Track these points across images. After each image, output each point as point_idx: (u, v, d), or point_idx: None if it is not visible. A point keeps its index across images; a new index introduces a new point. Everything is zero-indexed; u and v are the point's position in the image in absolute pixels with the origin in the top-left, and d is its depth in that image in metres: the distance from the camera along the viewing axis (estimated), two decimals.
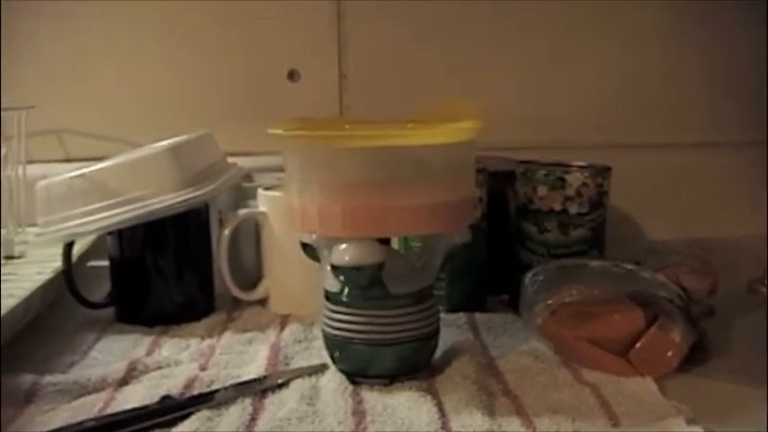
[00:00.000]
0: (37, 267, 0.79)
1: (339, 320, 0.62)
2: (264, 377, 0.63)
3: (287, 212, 0.65)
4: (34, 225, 0.79)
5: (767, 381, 0.61)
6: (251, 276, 0.82)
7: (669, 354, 0.64)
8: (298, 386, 0.62)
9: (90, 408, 0.59)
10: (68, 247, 0.76)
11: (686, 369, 0.65)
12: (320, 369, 0.64)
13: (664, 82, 1.04)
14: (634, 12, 1.03)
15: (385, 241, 0.70)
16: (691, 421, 0.55)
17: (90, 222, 0.74)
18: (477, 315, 0.77)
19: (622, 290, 0.68)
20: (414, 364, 0.63)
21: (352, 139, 0.61)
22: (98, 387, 0.63)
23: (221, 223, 0.81)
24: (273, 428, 0.56)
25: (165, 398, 0.59)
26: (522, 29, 1.03)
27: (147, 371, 0.65)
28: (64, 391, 0.62)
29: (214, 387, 0.62)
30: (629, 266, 0.71)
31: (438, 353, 0.66)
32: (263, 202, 0.80)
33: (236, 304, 0.81)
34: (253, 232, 0.81)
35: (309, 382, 0.62)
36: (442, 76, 1.03)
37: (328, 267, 0.62)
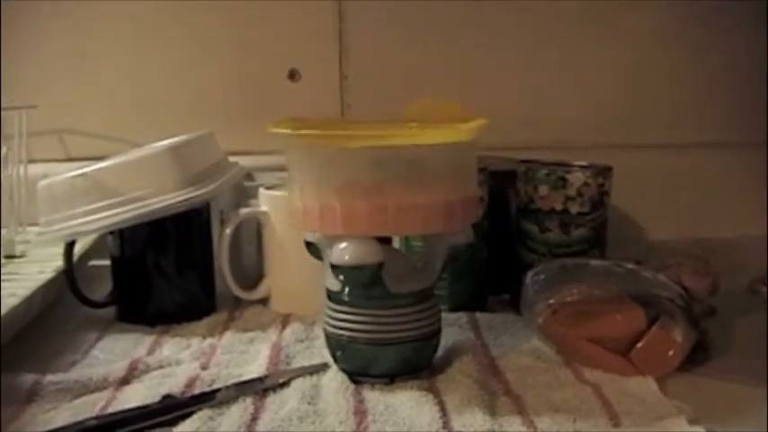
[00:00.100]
0: (38, 266, 0.79)
1: (340, 320, 0.62)
2: (266, 376, 0.63)
3: (289, 211, 0.65)
4: (35, 224, 0.79)
5: (767, 381, 0.61)
6: (252, 276, 0.82)
7: (670, 353, 0.64)
8: (299, 385, 0.62)
9: (91, 407, 0.60)
10: (70, 246, 0.76)
11: (687, 369, 0.65)
12: (321, 368, 0.64)
13: (664, 82, 1.04)
14: (635, 12, 1.03)
15: (386, 241, 0.70)
16: (692, 421, 0.55)
17: (91, 222, 0.74)
18: (479, 314, 0.77)
19: (623, 289, 0.68)
20: (415, 364, 0.63)
21: (354, 139, 0.61)
22: (99, 386, 0.63)
23: (222, 222, 0.81)
24: (275, 428, 0.56)
25: (167, 397, 0.59)
26: (523, 29, 1.03)
27: (148, 370, 0.65)
28: (65, 390, 0.62)
29: (215, 386, 0.62)
30: (631, 266, 0.71)
31: (439, 352, 0.66)
32: (265, 201, 0.80)
33: (238, 303, 0.81)
34: (254, 231, 0.81)
35: (311, 382, 0.62)
36: (443, 77, 1.03)
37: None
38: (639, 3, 1.03)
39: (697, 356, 0.66)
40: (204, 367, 0.66)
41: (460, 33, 1.03)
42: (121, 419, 0.56)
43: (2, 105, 0.86)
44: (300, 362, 0.67)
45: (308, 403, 0.59)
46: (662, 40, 1.04)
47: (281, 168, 0.66)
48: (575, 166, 0.80)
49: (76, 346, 0.72)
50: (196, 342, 0.72)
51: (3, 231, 0.86)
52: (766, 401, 0.59)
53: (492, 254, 0.80)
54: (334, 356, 0.64)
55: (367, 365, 0.62)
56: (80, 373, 0.64)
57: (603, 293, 0.67)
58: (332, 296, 0.64)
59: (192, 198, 0.74)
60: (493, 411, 0.58)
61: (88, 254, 0.83)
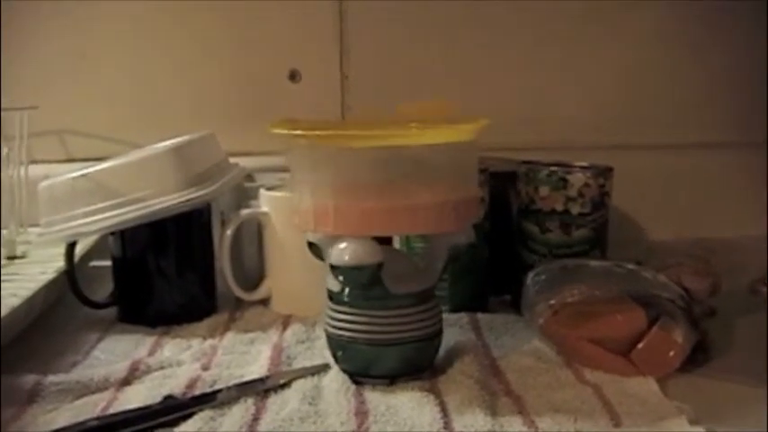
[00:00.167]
0: (39, 267, 0.79)
1: (342, 320, 0.63)
2: (267, 377, 0.63)
3: (291, 212, 0.65)
4: (36, 225, 0.79)
5: (767, 381, 0.61)
6: (253, 276, 0.82)
7: (671, 354, 0.64)
8: (300, 386, 0.62)
9: (92, 407, 0.60)
10: (71, 247, 0.76)
11: (688, 369, 0.65)
12: (322, 369, 0.64)
13: (665, 82, 1.04)
14: (635, 12, 1.03)
15: (387, 241, 0.71)
16: (693, 421, 0.55)
17: (92, 222, 0.74)
18: (480, 315, 0.77)
19: (624, 290, 0.68)
20: (417, 365, 0.63)
21: (355, 139, 0.61)
22: (100, 387, 0.63)
23: (223, 223, 0.81)
24: (276, 428, 0.56)
25: (168, 398, 0.59)
26: (524, 30, 1.03)
27: (149, 371, 0.65)
28: (66, 390, 0.62)
29: (216, 387, 0.62)
30: (631, 267, 0.71)
31: (440, 353, 0.66)
32: (265, 202, 0.80)
33: (239, 304, 0.81)
34: (255, 232, 0.81)
35: (312, 383, 0.63)
36: (444, 77, 1.03)
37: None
38: (640, 3, 1.03)
39: (697, 357, 0.66)
40: (205, 368, 0.66)
41: (461, 33, 1.03)
42: (123, 420, 0.56)
43: (3, 106, 0.87)
44: (301, 363, 0.67)
45: (310, 404, 0.59)
46: (662, 41, 1.04)
47: (282, 169, 0.66)
48: (575, 166, 0.80)
49: (78, 346, 0.72)
50: (197, 343, 0.72)
51: (4, 232, 0.87)
52: (766, 402, 0.58)
53: (493, 254, 0.80)
54: (335, 357, 0.64)
55: (368, 366, 0.62)
56: (81, 373, 0.64)
57: (604, 294, 0.67)
58: (333, 297, 0.64)
59: (192, 199, 0.74)
60: (494, 412, 0.58)
61: (89, 255, 0.83)
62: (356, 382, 0.62)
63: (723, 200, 1.03)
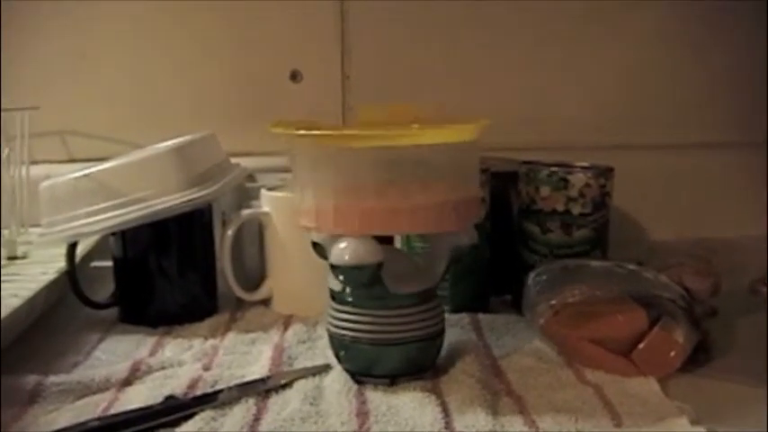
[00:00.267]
0: (40, 268, 0.79)
1: (344, 320, 0.63)
2: (268, 377, 0.63)
3: (292, 212, 0.65)
4: (38, 225, 0.79)
5: (767, 381, 0.61)
6: (254, 277, 0.82)
7: (672, 354, 0.64)
8: (301, 386, 0.62)
9: (94, 408, 0.60)
10: (72, 247, 0.76)
11: (689, 369, 0.65)
12: (324, 369, 0.65)
13: (666, 82, 1.04)
14: (636, 12, 1.03)
15: (388, 241, 0.71)
16: (694, 421, 0.55)
17: (93, 223, 0.74)
18: (481, 315, 0.77)
19: (625, 290, 0.68)
20: (419, 364, 0.63)
21: (356, 139, 0.61)
22: (102, 387, 0.63)
23: (224, 224, 0.81)
24: (277, 429, 0.56)
25: (169, 398, 0.59)
26: (525, 30, 1.03)
27: (150, 371, 0.65)
28: (68, 391, 0.62)
29: (218, 387, 0.62)
30: (632, 267, 0.71)
31: (442, 353, 0.66)
32: (267, 202, 0.80)
33: (240, 305, 0.81)
34: (256, 233, 0.81)
35: (313, 383, 0.63)
36: (445, 77, 1.03)
37: None
38: (641, 3, 1.03)
39: (698, 357, 0.66)
40: (206, 368, 0.66)
41: (462, 33, 1.03)
42: (124, 420, 0.56)
43: (4, 106, 0.87)
44: (303, 363, 0.67)
45: (311, 404, 0.59)
46: (663, 41, 1.04)
47: (283, 170, 0.66)
48: (576, 167, 0.80)
49: (79, 347, 0.72)
50: (198, 343, 0.72)
51: (5, 232, 0.87)
52: (767, 402, 0.58)
53: (494, 255, 0.80)
54: (337, 357, 0.64)
55: (370, 366, 0.62)
56: (82, 374, 0.64)
57: (605, 294, 0.67)
58: (335, 296, 0.64)
59: (194, 199, 0.74)
60: (495, 412, 0.58)
61: (90, 255, 0.83)
62: (358, 382, 0.62)
63: (724, 200, 1.03)
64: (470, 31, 1.03)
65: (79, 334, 0.75)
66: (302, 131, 0.62)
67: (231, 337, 0.74)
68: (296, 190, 0.64)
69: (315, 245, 0.64)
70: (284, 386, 0.62)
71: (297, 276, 0.78)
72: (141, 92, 1.02)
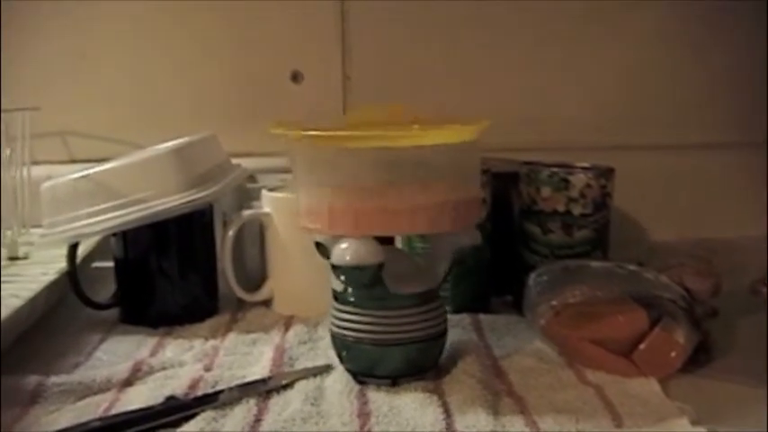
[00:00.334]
0: (41, 268, 0.79)
1: (346, 320, 0.63)
2: (269, 378, 0.63)
3: (292, 213, 0.65)
4: (39, 226, 0.79)
5: (767, 381, 0.62)
6: (255, 277, 0.82)
7: (672, 355, 0.64)
8: (302, 387, 0.62)
9: (95, 408, 0.60)
10: (73, 248, 0.76)
11: (690, 370, 0.65)
12: (325, 370, 0.65)
13: (666, 82, 1.04)
14: (636, 12, 1.03)
15: (389, 241, 0.71)
16: (694, 422, 0.56)
17: (94, 223, 0.74)
18: (482, 316, 0.77)
19: (626, 291, 0.68)
20: (421, 365, 0.63)
21: (357, 140, 0.61)
22: (103, 388, 0.63)
23: (225, 224, 0.81)
24: (278, 429, 0.56)
25: (170, 398, 0.60)
26: (525, 30, 1.03)
27: (151, 371, 0.65)
28: (69, 391, 0.62)
29: (218, 388, 0.62)
30: (633, 267, 0.71)
31: (443, 353, 0.66)
32: (267, 203, 0.80)
33: (241, 305, 0.81)
34: (257, 233, 0.82)
35: (314, 383, 0.63)
36: (445, 77, 1.03)
37: None
38: (641, 3, 1.03)
39: (699, 358, 0.66)
40: (207, 369, 0.66)
41: (463, 34, 1.03)
42: (125, 421, 0.56)
43: (5, 107, 0.87)
44: (304, 363, 0.67)
45: (312, 405, 0.59)
46: (663, 41, 1.04)
47: (284, 170, 0.66)
48: (577, 167, 0.80)
49: (80, 347, 0.72)
50: (199, 344, 0.72)
51: (6, 233, 0.87)
52: (767, 402, 0.59)
53: (495, 255, 0.80)
54: (340, 357, 0.64)
55: (373, 366, 0.62)
56: (83, 374, 0.64)
57: (606, 295, 0.68)
58: (338, 297, 0.64)
59: (194, 200, 0.74)
60: (496, 412, 0.58)
61: (91, 256, 0.84)
62: (360, 383, 0.62)
63: (724, 200, 1.03)
64: (470, 31, 1.03)
65: (80, 334, 0.75)
66: (301, 132, 0.62)
67: (232, 337, 0.74)
68: (296, 191, 0.64)
69: (318, 245, 0.64)
70: (285, 387, 0.62)
71: (298, 277, 0.78)
72: (142, 92, 1.02)
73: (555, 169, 0.79)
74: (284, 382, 0.63)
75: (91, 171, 0.75)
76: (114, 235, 0.77)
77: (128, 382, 0.64)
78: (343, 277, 0.62)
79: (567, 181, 0.78)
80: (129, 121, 1.01)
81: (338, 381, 0.62)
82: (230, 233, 0.78)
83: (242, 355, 0.70)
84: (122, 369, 0.65)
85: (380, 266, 0.60)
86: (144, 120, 1.01)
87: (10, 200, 0.87)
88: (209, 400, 0.59)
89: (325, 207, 0.61)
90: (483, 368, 0.64)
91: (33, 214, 0.85)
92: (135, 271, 0.78)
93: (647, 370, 0.63)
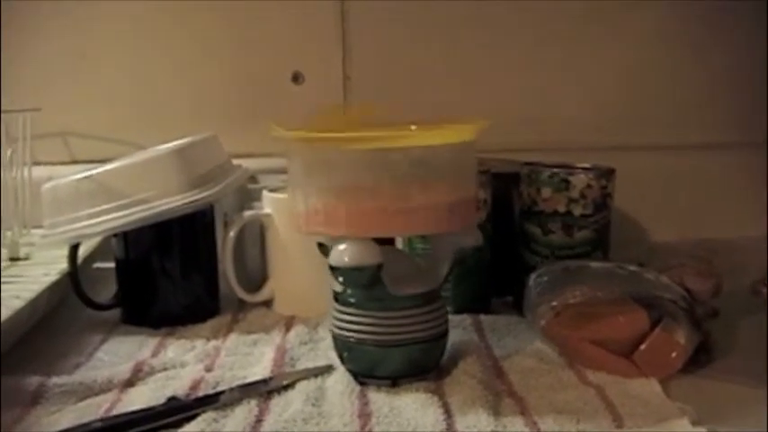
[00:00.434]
0: (43, 269, 0.80)
1: (347, 321, 0.63)
2: (270, 378, 0.63)
3: (290, 214, 0.65)
4: (40, 227, 0.79)
5: (767, 381, 0.62)
6: (256, 278, 0.82)
7: (673, 355, 0.64)
8: (303, 387, 0.62)
9: (96, 409, 0.60)
10: (74, 248, 0.76)
11: (690, 370, 0.65)
12: (326, 370, 0.65)
13: (666, 82, 1.05)
14: (636, 12, 1.03)
15: (389, 242, 0.71)
16: (695, 422, 0.56)
17: (96, 224, 0.74)
18: (482, 316, 0.77)
19: (626, 291, 0.68)
20: (422, 366, 0.63)
21: (353, 141, 0.61)
22: (104, 388, 0.63)
23: (226, 225, 0.81)
24: (279, 430, 0.56)
25: (171, 399, 0.60)
26: (525, 30, 1.03)
27: (152, 372, 0.66)
28: (70, 392, 0.62)
29: (220, 388, 0.62)
30: (633, 268, 0.71)
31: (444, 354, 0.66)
32: (268, 203, 0.80)
33: (242, 306, 0.81)
34: (258, 234, 0.82)
35: (315, 384, 0.63)
36: (446, 78, 1.03)
37: None
38: (641, 3, 1.03)
39: (700, 358, 0.66)
40: (208, 369, 0.66)
41: (463, 34, 1.03)
42: (126, 421, 0.57)
43: (5, 107, 0.87)
44: (305, 364, 0.67)
45: (313, 405, 0.59)
46: (663, 41, 1.04)
47: (285, 171, 0.66)
48: (577, 168, 0.80)
49: (81, 348, 0.72)
50: (200, 344, 0.72)
51: (7, 234, 0.87)
52: (767, 403, 0.59)
53: (495, 256, 0.80)
54: (341, 357, 0.64)
55: (374, 367, 0.62)
56: (85, 375, 0.65)
57: (606, 295, 0.68)
58: (338, 298, 0.64)
59: (196, 200, 0.74)
60: (497, 412, 0.58)
61: (92, 256, 0.84)
62: (361, 383, 0.62)
63: (724, 200, 1.03)
64: (470, 31, 1.03)
65: (81, 335, 0.75)
66: (300, 134, 0.62)
67: (233, 338, 0.74)
68: (293, 192, 0.64)
69: (320, 246, 0.65)
70: (286, 387, 0.62)
71: (299, 277, 0.78)
72: (142, 92, 1.02)
73: (555, 170, 0.79)
74: (285, 382, 0.63)
75: (92, 172, 0.75)
76: (115, 235, 0.77)
77: (129, 383, 0.64)
78: (341, 279, 0.62)
79: (567, 181, 0.78)
80: (129, 121, 1.01)
81: (339, 381, 0.62)
82: (231, 234, 0.78)
83: (243, 355, 0.70)
84: (124, 370, 0.65)
85: (379, 267, 0.60)
86: (145, 120, 1.01)
87: (11, 200, 0.87)
88: (211, 401, 0.59)
89: (321, 208, 0.61)
90: (484, 369, 0.64)
91: (34, 215, 0.85)
92: (136, 271, 0.78)
93: (647, 370, 0.63)
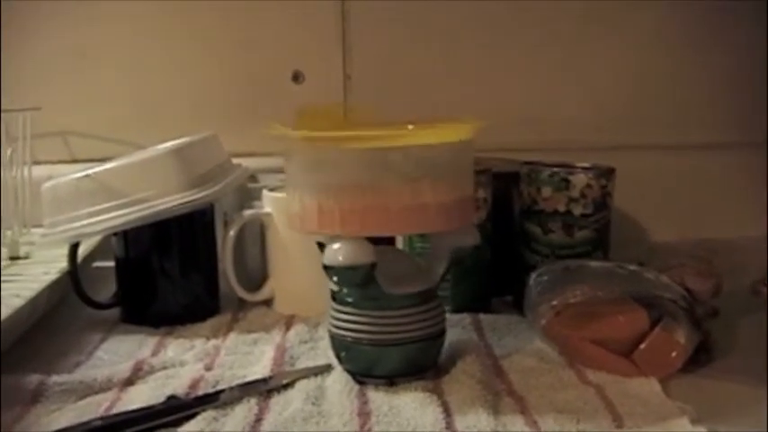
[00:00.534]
0: (43, 268, 0.80)
1: (344, 320, 0.63)
2: (270, 377, 0.63)
3: (287, 214, 0.65)
4: (40, 226, 0.79)
5: (767, 381, 0.62)
6: (256, 277, 0.82)
7: (673, 354, 0.64)
8: (303, 386, 0.62)
9: (96, 408, 0.60)
10: (74, 247, 0.76)
11: (690, 370, 0.65)
12: (325, 369, 0.65)
13: (666, 83, 1.05)
14: (637, 13, 1.03)
15: (389, 241, 0.71)
16: (695, 422, 0.56)
17: (95, 223, 0.74)
18: (482, 316, 0.77)
19: (626, 291, 0.68)
20: (420, 365, 0.63)
21: (350, 140, 0.61)
22: (104, 387, 0.63)
23: (226, 224, 0.81)
24: (278, 429, 0.56)
25: (171, 398, 0.60)
26: (526, 30, 1.03)
27: (152, 371, 0.66)
28: (70, 390, 0.62)
29: (219, 387, 0.62)
30: (633, 267, 0.71)
31: (443, 353, 0.66)
32: (268, 202, 0.80)
33: (241, 305, 0.81)
34: (258, 233, 0.82)
35: (315, 383, 0.63)
36: (446, 78, 1.03)
37: None
38: (641, 3, 1.03)
39: (700, 358, 0.66)
40: (208, 368, 0.66)
41: (463, 34, 1.03)
42: (126, 420, 0.57)
43: (5, 106, 0.87)
44: (304, 363, 0.67)
45: (313, 404, 0.59)
46: (664, 41, 1.04)
47: (284, 170, 0.66)
48: (578, 167, 0.80)
49: (81, 347, 0.72)
50: (200, 343, 0.72)
51: (7, 233, 0.87)
52: (767, 402, 0.59)
53: (495, 255, 0.80)
54: (338, 357, 0.64)
55: (371, 366, 0.62)
56: (85, 374, 0.65)
57: (606, 295, 0.68)
58: (336, 297, 0.64)
59: (195, 200, 0.74)
60: (496, 412, 0.58)
61: (92, 255, 0.84)
62: (359, 383, 0.62)
63: (724, 200, 1.03)
64: (471, 32, 1.03)
65: (81, 334, 0.75)
66: (297, 133, 0.62)
67: (233, 337, 0.74)
68: (290, 192, 0.64)
69: (320, 245, 0.65)
70: (286, 386, 0.62)
71: (298, 277, 0.78)
72: (143, 92, 1.02)
73: (555, 169, 0.79)
74: (285, 381, 0.63)
75: (92, 171, 0.75)
76: (115, 234, 0.77)
77: (129, 382, 0.64)
78: (335, 278, 0.62)
79: (567, 181, 0.78)
80: (129, 120, 1.01)
81: (339, 380, 0.62)
82: (231, 233, 0.78)
83: (243, 354, 0.70)
84: (123, 368, 0.65)
85: (373, 266, 0.60)
86: (145, 119, 1.01)
87: (11, 200, 0.87)
88: (210, 400, 0.59)
89: (320, 207, 0.61)
90: (483, 368, 0.64)
91: (34, 214, 0.85)
92: (136, 270, 0.78)
93: (647, 370, 0.63)
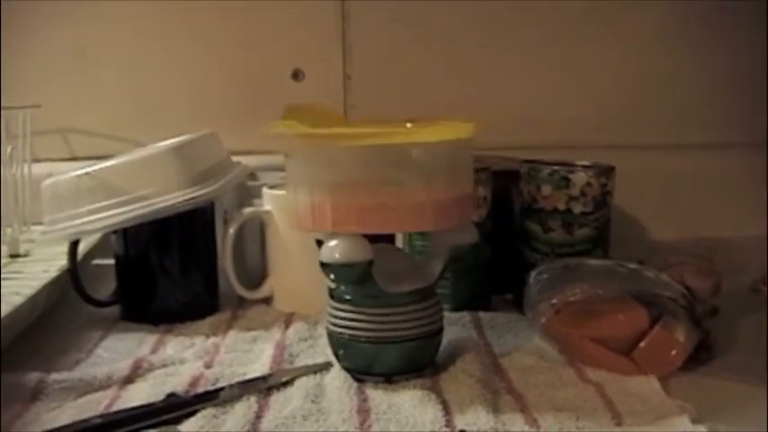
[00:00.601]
0: (42, 266, 0.80)
1: (342, 318, 0.63)
2: (269, 375, 0.63)
3: (287, 211, 0.65)
4: (40, 223, 0.79)
5: (767, 380, 0.62)
6: (255, 275, 0.82)
7: (673, 353, 0.64)
8: (302, 384, 0.62)
9: (96, 405, 0.60)
10: (74, 245, 0.76)
11: (690, 368, 0.65)
12: (325, 367, 0.65)
13: (666, 82, 1.05)
14: (637, 12, 1.03)
15: (388, 239, 0.71)
16: (694, 420, 0.56)
17: (95, 221, 0.74)
18: (482, 314, 0.77)
19: (626, 289, 0.68)
20: (417, 362, 0.63)
21: (350, 138, 0.61)
22: (104, 385, 0.63)
23: (226, 222, 0.81)
24: (278, 426, 0.56)
25: (171, 396, 0.59)
26: (526, 30, 1.04)
27: (152, 369, 0.66)
28: (70, 388, 0.62)
29: (219, 385, 0.62)
30: (633, 266, 0.71)
31: (442, 351, 0.66)
32: (268, 200, 0.80)
33: (241, 303, 0.81)
34: (257, 231, 0.82)
35: (314, 380, 0.63)
36: (446, 77, 1.03)
37: None
38: (641, 3, 1.03)
39: (700, 356, 0.66)
40: (208, 366, 0.66)
41: (463, 33, 1.03)
42: (126, 418, 0.56)
43: (6, 105, 0.87)
44: (304, 361, 0.67)
45: (312, 402, 0.59)
46: (664, 41, 1.04)
47: (284, 168, 0.66)
48: (578, 165, 0.80)
49: (81, 344, 0.72)
50: (200, 341, 0.72)
51: (7, 230, 0.87)
52: (767, 401, 0.59)
53: (495, 253, 0.80)
54: (336, 355, 0.64)
55: (369, 364, 0.62)
56: (84, 371, 0.64)
57: (606, 293, 0.68)
58: (333, 295, 0.64)
59: (195, 197, 0.74)
60: (496, 410, 0.58)
61: (92, 253, 0.84)
62: (357, 380, 0.62)
63: (724, 200, 1.04)
64: (471, 31, 1.03)
65: (81, 332, 0.75)
66: (297, 131, 0.62)
67: (233, 335, 0.74)
68: (290, 189, 0.64)
69: (319, 242, 0.65)
70: (285, 384, 0.62)
71: (298, 274, 0.78)
72: (142, 90, 1.02)
73: (555, 167, 0.79)
74: (284, 379, 0.63)
75: (92, 168, 0.75)
76: (115, 232, 0.77)
77: (128, 380, 0.64)
78: (332, 275, 0.62)
79: (567, 179, 0.78)
80: (129, 118, 1.01)
81: (338, 378, 0.62)
82: (231, 231, 0.78)
83: (242, 352, 0.70)
84: (123, 366, 0.65)
85: (370, 264, 0.60)
86: (145, 117, 1.01)
87: (11, 197, 0.87)
88: (210, 398, 0.59)
89: (320, 204, 0.61)
90: (483, 366, 0.64)
91: (34, 211, 0.85)
92: (136, 268, 0.78)
93: (647, 368, 0.63)
